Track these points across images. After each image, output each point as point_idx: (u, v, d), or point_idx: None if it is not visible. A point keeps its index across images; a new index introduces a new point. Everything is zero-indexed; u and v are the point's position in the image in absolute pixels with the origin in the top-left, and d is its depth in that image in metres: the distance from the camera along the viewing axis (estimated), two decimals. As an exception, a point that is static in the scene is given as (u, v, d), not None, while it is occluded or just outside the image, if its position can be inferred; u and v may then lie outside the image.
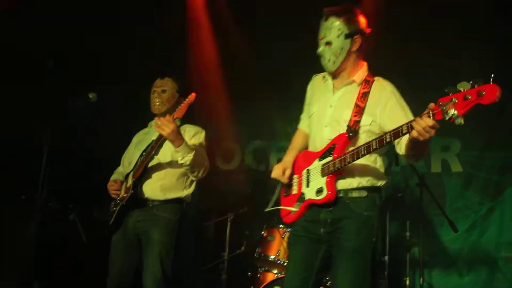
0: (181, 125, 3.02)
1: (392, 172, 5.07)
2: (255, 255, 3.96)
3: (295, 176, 2.45)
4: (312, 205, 2.30)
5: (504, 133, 4.76)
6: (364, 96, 2.30)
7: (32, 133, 3.85)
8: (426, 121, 1.84)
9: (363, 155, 2.12)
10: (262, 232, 4.01)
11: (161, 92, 3.09)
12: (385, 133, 2.05)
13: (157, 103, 3.08)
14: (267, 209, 2.49)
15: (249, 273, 4.08)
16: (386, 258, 4.00)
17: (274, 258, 3.82)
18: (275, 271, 3.82)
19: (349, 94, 2.35)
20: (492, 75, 1.69)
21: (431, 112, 1.83)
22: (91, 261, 4.11)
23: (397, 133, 2.00)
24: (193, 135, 3.09)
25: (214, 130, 4.55)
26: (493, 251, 4.57)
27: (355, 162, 2.18)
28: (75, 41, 4.95)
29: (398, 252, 4.43)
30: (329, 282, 3.42)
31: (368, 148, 2.10)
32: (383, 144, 2.05)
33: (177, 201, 3.03)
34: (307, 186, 2.34)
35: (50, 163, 3.39)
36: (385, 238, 4.05)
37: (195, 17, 5.50)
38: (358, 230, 2.19)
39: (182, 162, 2.80)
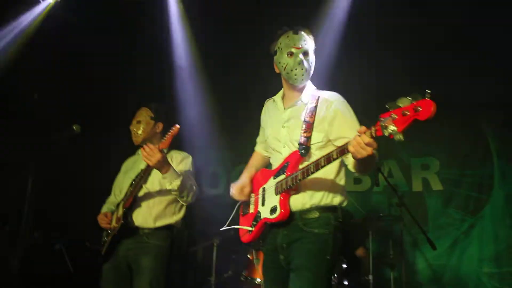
0: (168, 151, 3.08)
1: (374, 192, 5.19)
2: (242, 278, 3.99)
3: (252, 194, 2.45)
4: (268, 225, 2.28)
5: (481, 151, 4.91)
6: (311, 111, 2.27)
7: (17, 163, 3.88)
8: (363, 139, 1.82)
9: (312, 173, 2.08)
10: (248, 256, 4.05)
11: (136, 123, 3.18)
12: (331, 151, 2.02)
13: (133, 135, 3.17)
14: (223, 228, 2.46)
15: (236, 297, 4.09)
16: (371, 277, 4.05)
17: (261, 281, 3.84)
18: (262, 294, 3.85)
19: (297, 112, 2.33)
20: (428, 91, 1.65)
21: (373, 128, 1.80)
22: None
23: (342, 150, 1.96)
24: (180, 161, 3.13)
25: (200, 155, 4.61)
26: (476, 267, 4.66)
27: (311, 178, 2.13)
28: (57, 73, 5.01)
29: (382, 271, 4.50)
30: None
31: (317, 166, 2.06)
32: (331, 161, 2.02)
33: (167, 227, 3.05)
34: (263, 204, 2.32)
35: (34, 194, 3.40)
36: (369, 257, 4.10)
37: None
38: (307, 247, 2.13)
39: (170, 187, 2.85)
